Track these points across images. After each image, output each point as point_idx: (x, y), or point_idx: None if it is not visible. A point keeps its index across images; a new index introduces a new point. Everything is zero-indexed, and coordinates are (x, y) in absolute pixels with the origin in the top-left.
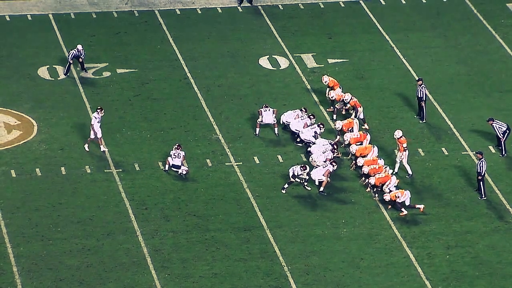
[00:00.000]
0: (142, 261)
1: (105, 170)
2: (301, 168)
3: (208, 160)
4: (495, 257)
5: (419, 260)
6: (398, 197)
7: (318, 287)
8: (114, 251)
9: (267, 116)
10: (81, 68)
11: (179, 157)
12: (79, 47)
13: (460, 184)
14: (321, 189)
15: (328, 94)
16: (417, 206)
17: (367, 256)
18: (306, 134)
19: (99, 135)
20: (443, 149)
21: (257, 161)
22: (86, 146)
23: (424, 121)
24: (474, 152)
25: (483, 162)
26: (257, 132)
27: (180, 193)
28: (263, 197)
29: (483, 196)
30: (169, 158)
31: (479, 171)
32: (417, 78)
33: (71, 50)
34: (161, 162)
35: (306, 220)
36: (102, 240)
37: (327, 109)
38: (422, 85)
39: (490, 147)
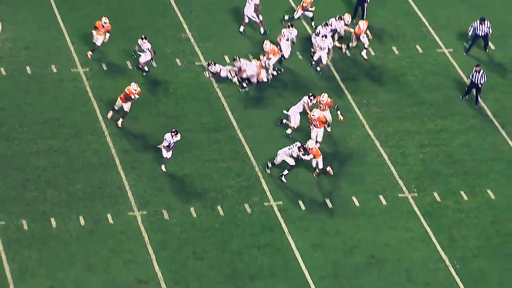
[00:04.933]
0: (110, 162)
1: (72, 70)
2: (299, 149)
3: (177, 60)
4: (469, 155)
5: (392, 159)
6: (307, 152)
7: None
8: (81, 152)
9: (250, 67)
10: None
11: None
12: None
13: (435, 82)
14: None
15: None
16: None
17: (339, 156)
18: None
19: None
20: (418, 46)
21: (228, 60)
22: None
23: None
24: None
25: (483, 74)
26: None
27: (149, 94)
28: (234, 97)
29: (477, 107)
30: (164, 144)
31: (475, 82)
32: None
33: None
34: (129, 62)
35: (276, 117)
36: (69, 140)
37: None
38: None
39: (465, 44)
